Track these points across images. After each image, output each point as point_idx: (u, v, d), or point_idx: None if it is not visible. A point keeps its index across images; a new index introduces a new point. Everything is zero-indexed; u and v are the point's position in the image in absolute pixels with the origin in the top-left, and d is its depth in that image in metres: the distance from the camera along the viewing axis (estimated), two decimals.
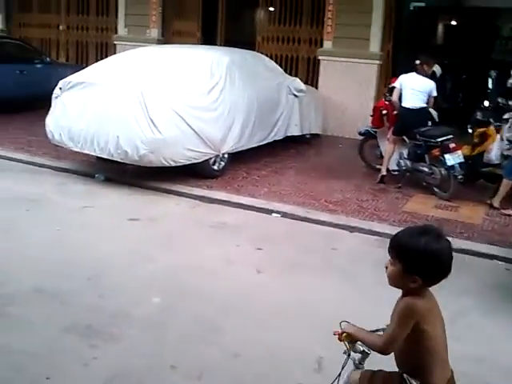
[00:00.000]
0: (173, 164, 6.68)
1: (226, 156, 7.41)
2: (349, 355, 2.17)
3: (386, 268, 2.05)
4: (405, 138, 7.35)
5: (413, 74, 7.18)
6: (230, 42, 10.82)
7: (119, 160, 6.73)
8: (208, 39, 11.79)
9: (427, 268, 1.95)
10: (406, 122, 7.19)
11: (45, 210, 5.97)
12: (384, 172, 7.38)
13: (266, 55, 9.78)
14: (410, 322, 1.95)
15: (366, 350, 2.16)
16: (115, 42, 12.56)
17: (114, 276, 4.46)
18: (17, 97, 10.79)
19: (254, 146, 7.87)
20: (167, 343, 3.57)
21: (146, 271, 4.58)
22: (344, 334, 2.12)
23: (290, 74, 9.80)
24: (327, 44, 10.49)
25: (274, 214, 6.19)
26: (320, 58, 10.55)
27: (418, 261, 1.94)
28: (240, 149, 7.54)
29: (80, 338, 3.56)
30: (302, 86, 8.90)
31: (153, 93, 6.58)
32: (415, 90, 7.10)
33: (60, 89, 7.18)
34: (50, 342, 3.51)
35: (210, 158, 7.11)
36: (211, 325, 3.77)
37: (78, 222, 5.66)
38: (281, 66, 9.87)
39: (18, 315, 3.79)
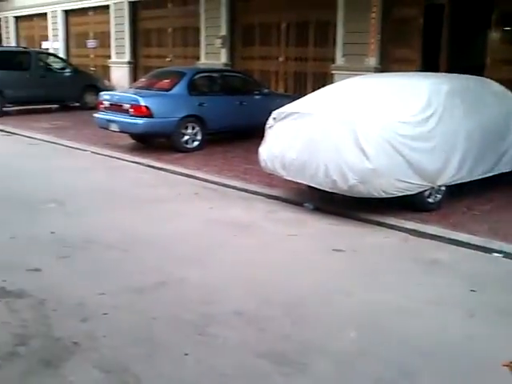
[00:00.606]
0: (383, 195, 6.63)
1: (442, 189, 7.16)
2: None
3: None
4: None
5: None
6: (454, 67, 10.54)
7: (328, 189, 6.90)
8: (429, 65, 11.61)
9: None
10: None
11: (252, 236, 6.28)
12: None
13: (496, 80, 9.32)
14: None
15: None
16: (333, 72, 12.98)
17: (312, 306, 4.52)
18: (236, 126, 11.74)
19: (476, 178, 7.51)
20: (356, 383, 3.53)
21: (344, 304, 4.57)
22: None
23: None
24: None
25: (494, 254, 5.83)
26: None
27: None
28: (459, 181, 7.23)
29: (272, 364, 3.65)
30: None
31: (365, 122, 6.63)
32: None
33: (274, 119, 7.63)
34: (243, 366, 3.65)
35: (425, 190, 6.95)
36: (405, 370, 3.61)
37: (283, 249, 5.85)
38: None
39: (216, 336, 4.00)
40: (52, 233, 6.15)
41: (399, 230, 6.48)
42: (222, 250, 5.82)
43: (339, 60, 12.94)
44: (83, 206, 7.39)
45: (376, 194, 6.60)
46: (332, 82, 11.53)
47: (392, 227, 6.57)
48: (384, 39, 12.27)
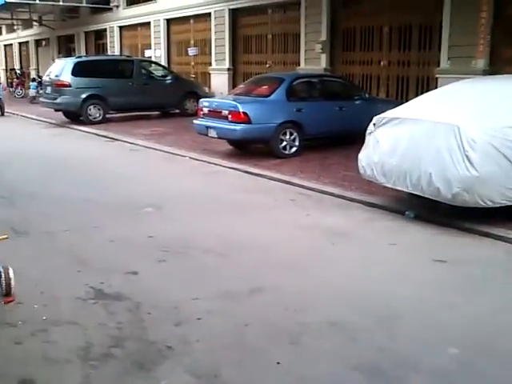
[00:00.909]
0: (490, 204, 6.36)
1: None
2: None
3: None
4: None
5: None
6: None
7: (431, 197, 6.74)
8: None
9: None
10: None
11: (349, 244, 6.21)
12: None
13: None
14: None
15: None
16: (437, 76, 12.64)
17: (409, 318, 4.41)
18: (335, 132, 11.66)
19: None
20: None
21: (445, 318, 4.43)
22: None
23: None
24: None
25: None
26: None
27: None
28: None
29: (365, 377, 3.59)
30: None
31: (470, 127, 6.38)
32: None
33: (374, 125, 7.55)
34: (335, 378, 3.61)
35: None
36: None
37: (382, 258, 5.76)
38: None
39: (309, 345, 3.98)
40: (150, 237, 6.36)
41: (507, 242, 6.21)
42: (318, 257, 5.81)
43: (444, 63, 12.59)
44: (181, 210, 7.59)
45: (482, 203, 6.37)
46: (436, 87, 11.31)
47: (499, 238, 6.29)
48: (494, 40, 11.81)
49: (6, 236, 4.87)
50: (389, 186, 7.31)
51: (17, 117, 21.40)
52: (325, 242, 6.26)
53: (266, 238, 6.40)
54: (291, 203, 8.03)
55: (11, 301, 4.64)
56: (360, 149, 7.73)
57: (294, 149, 11.24)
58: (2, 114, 21.57)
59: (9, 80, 38.08)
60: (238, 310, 4.56)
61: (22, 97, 30.81)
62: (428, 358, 3.84)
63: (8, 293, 4.73)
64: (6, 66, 42.64)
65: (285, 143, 11.16)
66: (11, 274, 4.76)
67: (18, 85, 32.62)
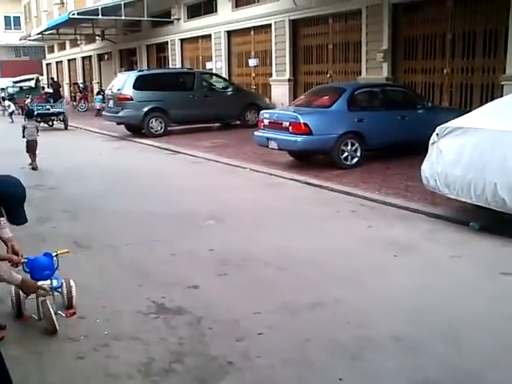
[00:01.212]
0: None
1: None
2: None
3: None
4: None
5: None
6: None
7: (496, 209, 6.64)
8: None
9: None
10: None
11: (412, 257, 6.17)
12: None
13: None
14: None
15: None
16: (503, 83, 12.43)
17: (473, 332, 4.35)
18: (398, 142, 11.57)
19: None
20: None
21: (509, 332, 4.40)
22: None
23: None
24: None
25: None
26: None
27: None
28: None
29: None
30: None
31: None
32: None
33: (437, 135, 7.51)
34: None
35: None
36: None
37: (445, 271, 5.70)
38: None
39: (371, 361, 3.97)
40: (211, 250, 6.47)
41: None
42: (380, 270, 5.79)
43: (510, 70, 12.34)
44: (242, 223, 7.70)
45: None
46: (501, 95, 11.16)
47: None
48: None
49: (66, 250, 4.96)
50: (452, 197, 7.28)
51: (80, 131, 22.17)
52: (387, 255, 6.25)
53: (326, 251, 6.42)
54: (352, 214, 8.06)
55: (73, 313, 4.79)
56: (422, 159, 7.70)
57: (355, 159, 11.27)
58: (66, 128, 22.40)
59: (72, 94, 39.50)
60: (298, 325, 4.59)
61: (85, 110, 31.92)
62: (492, 373, 3.81)
63: (70, 305, 4.88)
64: (70, 81, 44.20)
65: (346, 154, 11.19)
66: (73, 287, 4.92)
67: (81, 99, 33.82)
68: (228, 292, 5.33)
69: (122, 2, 25.20)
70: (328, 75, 18.05)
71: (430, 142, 7.60)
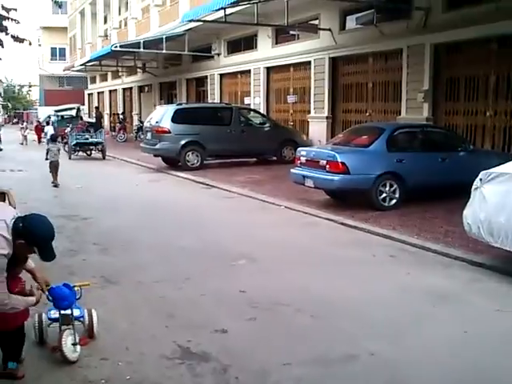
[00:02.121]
0: None
1: None
2: None
3: None
4: None
5: None
6: None
7: None
8: None
9: None
10: None
11: (452, 308, 5.87)
12: None
13: None
14: None
15: None
16: None
17: None
18: (438, 184, 11.19)
19: None
20: None
21: None
22: None
23: None
24: None
25: None
26: None
27: None
28: None
29: None
30: None
31: None
32: None
33: (480, 180, 7.24)
34: None
35: None
36: None
37: (488, 326, 5.38)
38: None
39: None
40: (241, 291, 6.25)
41: None
42: (417, 322, 5.49)
43: None
44: (274, 263, 7.47)
45: None
46: None
47: None
48: None
49: (87, 283, 4.94)
50: (496, 245, 6.95)
51: (117, 161, 22.35)
52: (425, 305, 5.94)
53: (361, 298, 6.14)
54: (390, 259, 7.75)
55: (87, 343, 4.74)
56: (463, 203, 7.42)
57: (393, 201, 10.99)
58: (104, 158, 22.64)
59: (112, 124, 40.13)
60: (331, 379, 4.35)
61: (124, 141, 32.33)
62: None
63: (91, 335, 4.87)
64: (110, 111, 44.96)
65: (384, 195, 10.93)
66: (94, 317, 4.91)
67: (120, 129, 34.31)
68: (257, 338, 5.10)
69: (164, 36, 25.58)
70: (367, 114, 17.87)
71: (473, 187, 7.31)
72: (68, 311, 4.61)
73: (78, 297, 4.79)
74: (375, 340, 5.04)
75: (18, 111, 75.74)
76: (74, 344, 4.53)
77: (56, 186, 14.39)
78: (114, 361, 4.57)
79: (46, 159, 14.95)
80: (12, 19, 9.70)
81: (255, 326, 5.39)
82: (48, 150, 15.11)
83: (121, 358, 4.62)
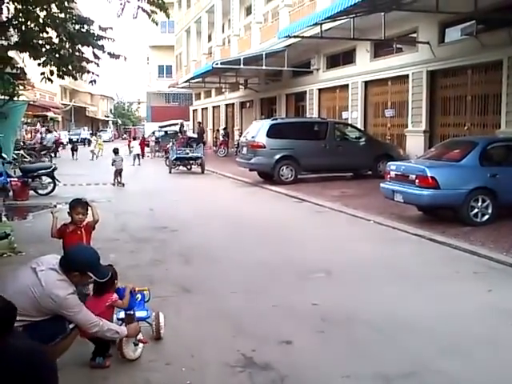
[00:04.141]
0: None
1: None
2: None
3: None
4: None
5: None
6: None
7: None
8: None
9: None
10: None
11: None
12: None
13: None
14: None
15: None
16: None
17: None
18: None
19: None
20: None
21: None
22: None
23: None
24: None
25: None
26: None
27: None
28: None
29: None
30: None
31: None
32: None
33: None
34: None
35: None
36: None
37: None
38: None
39: None
40: (314, 304, 6.28)
41: None
42: (493, 342, 5.32)
43: None
44: (351, 278, 7.45)
45: None
46: None
47: None
48: None
49: (146, 288, 5.17)
50: None
51: (215, 175, 22.95)
52: (502, 324, 5.76)
53: (436, 315, 6.02)
54: (473, 276, 7.55)
55: (146, 341, 4.95)
56: None
57: (486, 216, 10.67)
58: (202, 172, 23.36)
59: (214, 139, 41.32)
60: None
61: (225, 156, 33.19)
62: None
63: (158, 336, 5.16)
64: (213, 126, 46.26)
65: (476, 210, 10.64)
66: (161, 320, 5.19)
67: (221, 144, 35.27)
68: (321, 351, 5.12)
69: (264, 53, 26.10)
70: (465, 127, 17.41)
71: None
72: (131, 312, 4.90)
73: (146, 299, 5.10)
74: (444, 358, 4.94)
75: (126, 127, 79.50)
76: (135, 344, 4.80)
77: (123, 185, 18.69)
78: (177, 366, 4.74)
79: (112, 165, 19.13)
80: (108, 38, 10.39)
81: (321, 339, 5.41)
82: (113, 161, 19.21)
83: (185, 364, 4.78)
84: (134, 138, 36.19)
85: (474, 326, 5.75)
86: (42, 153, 28.91)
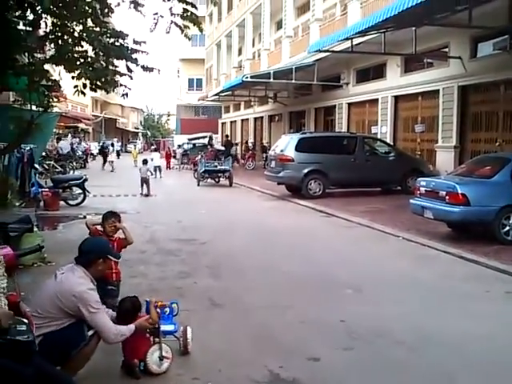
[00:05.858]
0: None
1: None
2: None
3: None
4: None
5: None
6: None
7: None
8: None
9: None
10: None
11: None
12: None
13: None
14: None
15: None
16: None
17: None
18: None
19: None
20: None
21: None
22: None
23: None
24: None
25: None
26: None
27: None
28: None
29: None
30: None
31: None
32: None
33: None
34: None
35: None
36: None
37: None
38: None
39: None
40: (342, 321, 6.24)
41: None
42: None
43: None
44: (381, 295, 7.39)
45: None
46: None
47: None
48: None
49: (161, 300, 5.17)
50: None
51: (243, 188, 23.00)
52: None
53: (466, 334, 5.93)
54: (504, 296, 7.42)
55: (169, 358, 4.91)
56: None
57: None
58: (230, 185, 23.45)
59: (243, 152, 41.50)
60: None
61: (253, 169, 33.28)
62: None
63: (185, 351, 5.15)
64: (242, 139, 46.44)
65: (508, 228, 10.54)
66: (189, 334, 5.18)
67: (249, 157, 35.38)
68: (349, 369, 5.07)
69: (293, 67, 26.18)
70: (497, 144, 17.20)
71: None
72: (155, 325, 4.86)
73: (175, 313, 5.11)
74: (475, 378, 4.90)
75: (156, 139, 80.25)
76: (160, 358, 4.78)
77: (147, 195, 19.47)
78: (204, 381, 4.73)
79: (140, 170, 20.13)
80: (142, 51, 10.56)
81: (349, 356, 5.36)
82: (140, 169, 20.30)
83: (212, 378, 4.77)
84: (156, 150, 36.30)
85: (505, 346, 5.66)
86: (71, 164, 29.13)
